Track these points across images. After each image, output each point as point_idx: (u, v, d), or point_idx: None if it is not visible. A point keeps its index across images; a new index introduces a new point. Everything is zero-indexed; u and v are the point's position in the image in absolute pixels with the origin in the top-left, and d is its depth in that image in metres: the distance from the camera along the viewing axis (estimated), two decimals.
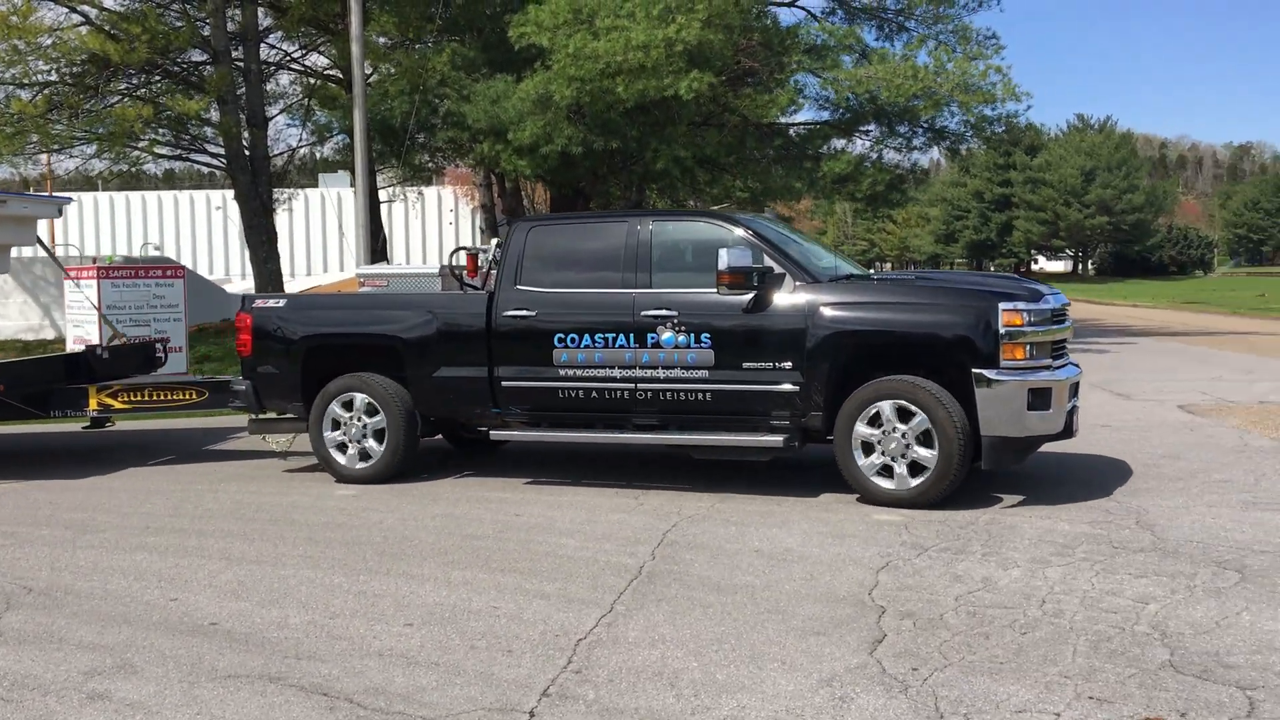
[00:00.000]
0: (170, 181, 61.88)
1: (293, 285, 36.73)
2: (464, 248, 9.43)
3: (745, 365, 7.62)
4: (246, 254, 22.83)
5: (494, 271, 8.66)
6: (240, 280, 36.61)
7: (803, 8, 22.34)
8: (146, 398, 10.11)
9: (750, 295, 7.58)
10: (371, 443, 8.61)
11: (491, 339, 8.27)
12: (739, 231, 7.91)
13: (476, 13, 20.17)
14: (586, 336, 7.96)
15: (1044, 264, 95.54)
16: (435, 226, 45.05)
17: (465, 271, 9.14)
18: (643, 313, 7.84)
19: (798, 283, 7.60)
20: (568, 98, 17.01)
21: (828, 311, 7.46)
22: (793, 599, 5.44)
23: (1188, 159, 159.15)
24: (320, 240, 44.73)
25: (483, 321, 8.30)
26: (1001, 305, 7.21)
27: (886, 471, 7.33)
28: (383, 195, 28.73)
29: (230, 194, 23.22)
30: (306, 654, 4.81)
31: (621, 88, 16.03)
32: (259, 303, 9.26)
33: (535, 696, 4.26)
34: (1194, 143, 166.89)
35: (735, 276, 7.48)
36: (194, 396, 10.15)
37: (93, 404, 9.92)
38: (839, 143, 22.57)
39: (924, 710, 4.05)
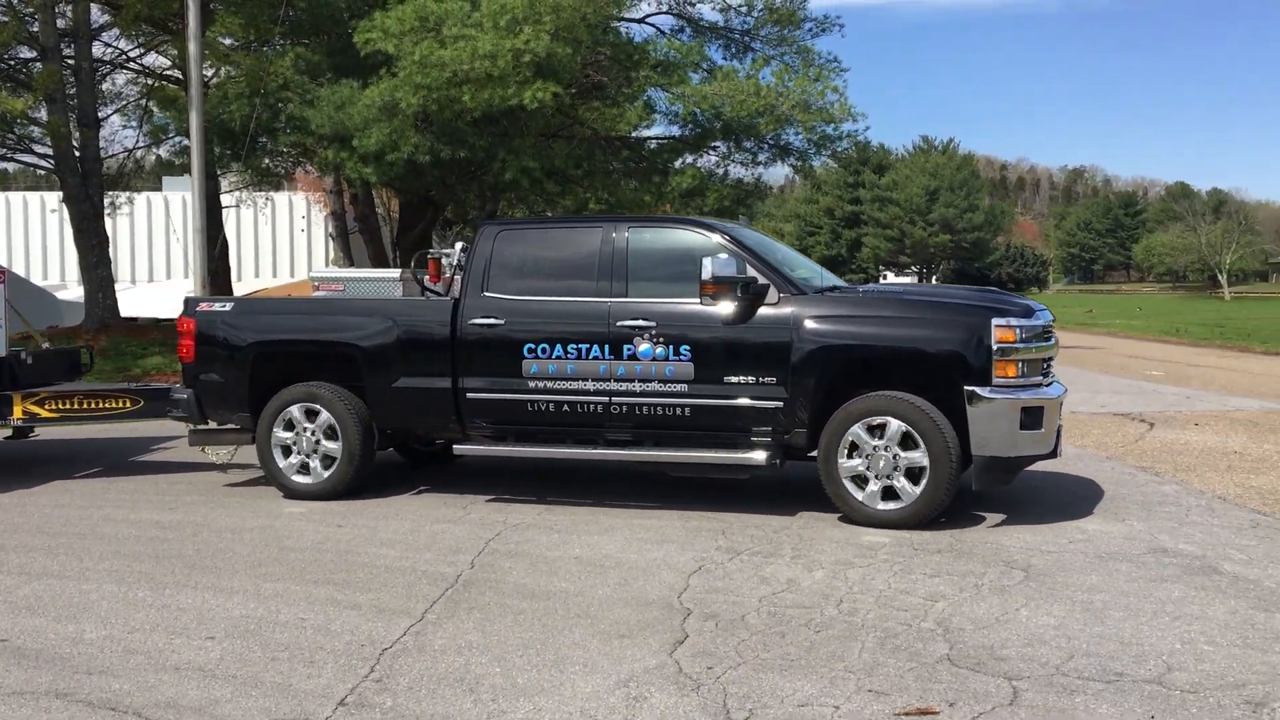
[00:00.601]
0: (4, 182, 58.78)
1: (132, 292, 35.33)
2: (428, 251, 9.06)
3: (726, 379, 7.34)
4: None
5: (458, 277, 8.28)
6: (76, 286, 35.04)
7: (652, 24, 22.75)
8: (76, 406, 9.53)
9: (734, 306, 7.31)
10: (324, 454, 8.18)
11: (456, 348, 7.90)
12: (720, 239, 7.62)
13: (322, 17, 19.82)
14: (558, 347, 7.62)
15: (891, 279, 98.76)
16: (287, 233, 43.90)
17: (427, 276, 8.78)
18: (619, 323, 7.53)
19: (782, 294, 7.34)
20: (414, 105, 16.89)
21: (814, 325, 7.22)
22: (604, 604, 5.54)
23: (1026, 180, 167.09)
24: (164, 245, 43.11)
25: (447, 330, 7.92)
26: (994, 321, 7.02)
27: (877, 492, 7.11)
28: (229, 200, 27.95)
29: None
30: (99, 669, 4.68)
31: (468, 96, 16.00)
32: (203, 306, 8.74)
33: (331, 706, 4.24)
34: (1032, 165, 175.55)
35: (719, 286, 7.22)
36: (128, 405, 9.61)
37: (17, 412, 9.29)
38: (689, 157, 22.98)
39: (712, 707, 4.19)
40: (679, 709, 4.18)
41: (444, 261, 8.75)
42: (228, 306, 8.72)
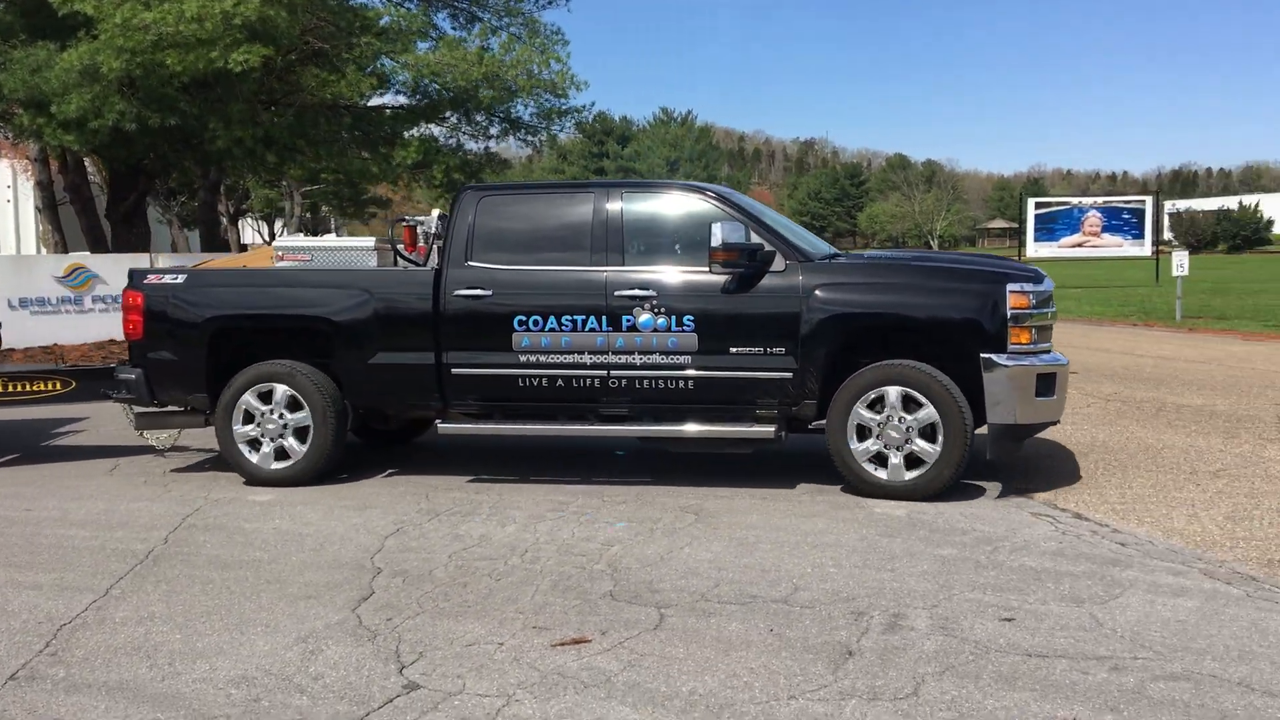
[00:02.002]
0: None
1: None
2: (403, 219, 8.47)
3: (733, 350, 7.13)
4: None
5: (437, 246, 7.90)
6: None
7: None
8: (1, 389, 8.73)
9: (742, 274, 7.09)
10: (292, 440, 7.70)
11: (439, 321, 7.50)
12: (718, 204, 7.40)
13: None
14: (552, 319, 7.31)
15: None
16: None
17: (403, 245, 8.31)
18: (617, 293, 7.25)
19: (788, 261, 7.15)
20: (117, 70, 16.02)
21: (825, 293, 7.03)
22: (297, 569, 5.73)
23: (762, 152, 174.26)
24: None
25: (429, 302, 7.53)
26: (1009, 286, 6.91)
27: (881, 461, 6.95)
28: None
29: None
30: None
31: (174, 61, 15.37)
32: (152, 278, 8.06)
33: (1, 681, 4.27)
34: (768, 137, 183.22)
35: (730, 254, 6.95)
36: (58, 387, 8.87)
37: None
38: (421, 128, 22.84)
39: (384, 652, 4.50)
40: (352, 657, 4.47)
41: (419, 230, 8.37)
42: (180, 279, 8.06)
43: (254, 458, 7.75)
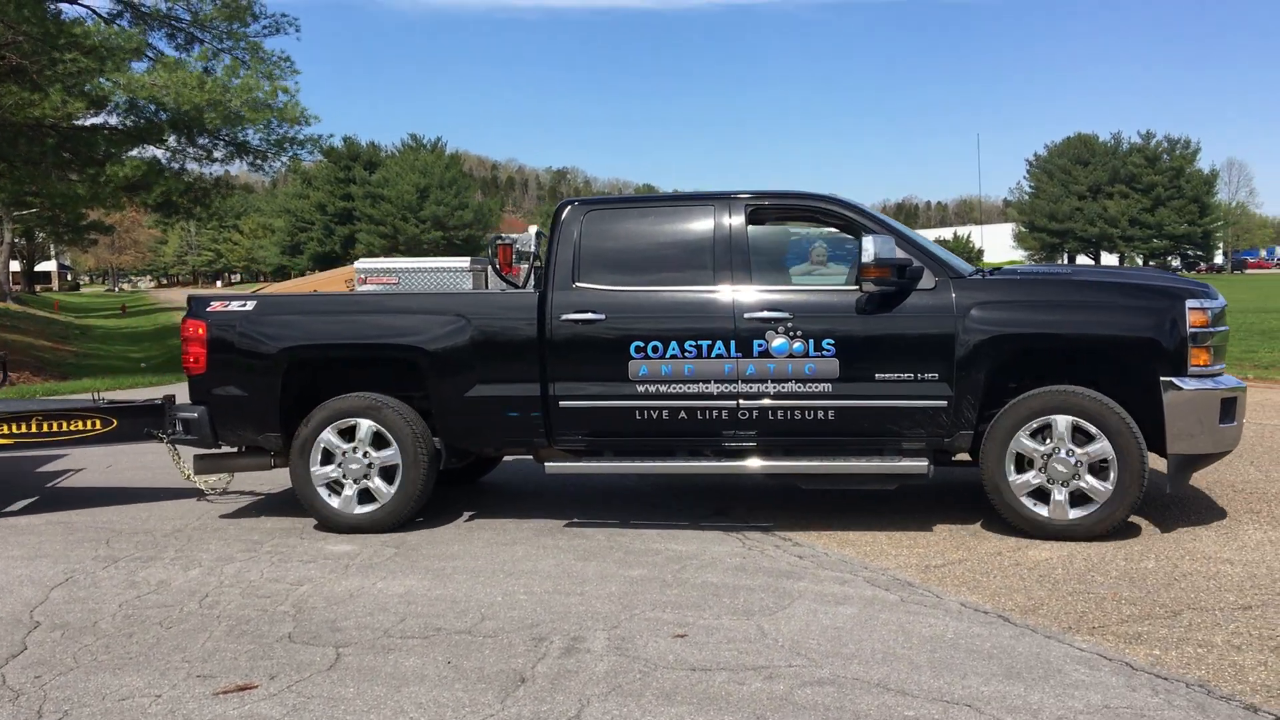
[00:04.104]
0: None
1: None
2: (500, 237, 7.61)
3: (879, 377, 6.49)
4: None
5: (536, 266, 7.31)
6: None
7: (86, 5, 20.99)
8: (35, 430, 7.73)
9: (889, 294, 6.49)
10: (379, 481, 6.97)
11: (546, 349, 6.79)
12: (860, 217, 6.76)
13: None
14: (674, 345, 6.63)
15: None
16: None
17: (499, 265, 7.59)
18: (746, 315, 6.59)
19: (938, 278, 6.54)
20: None
21: (982, 312, 6.43)
22: None
23: (516, 180, 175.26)
24: None
25: (534, 328, 6.81)
26: (1189, 303, 6.34)
27: (1042, 496, 6.40)
28: None
29: None
30: None
31: None
32: (217, 306, 7.23)
33: None
34: (521, 166, 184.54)
35: (882, 270, 6.33)
36: (98, 426, 7.85)
37: None
38: (142, 149, 21.60)
39: (25, 714, 4.18)
40: None
41: (515, 248, 7.72)
42: (249, 306, 7.24)
43: (336, 502, 7.05)
